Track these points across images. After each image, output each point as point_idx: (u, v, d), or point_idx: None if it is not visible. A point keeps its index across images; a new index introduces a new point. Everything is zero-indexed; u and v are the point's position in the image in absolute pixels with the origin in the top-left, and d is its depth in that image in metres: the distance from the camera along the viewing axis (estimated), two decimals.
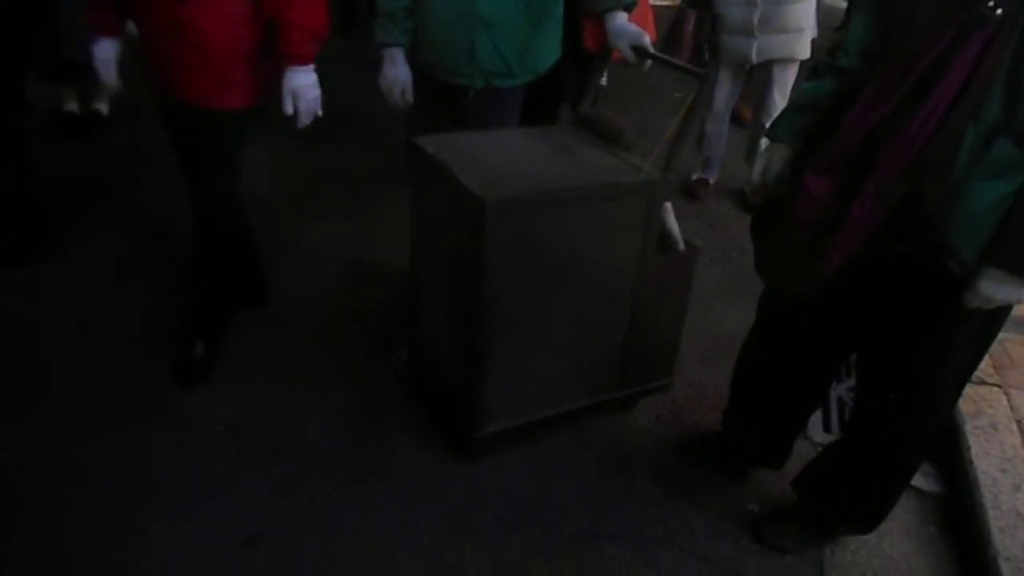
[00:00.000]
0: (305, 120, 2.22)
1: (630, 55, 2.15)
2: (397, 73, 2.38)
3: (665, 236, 2.17)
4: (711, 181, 3.99)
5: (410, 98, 2.43)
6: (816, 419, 2.45)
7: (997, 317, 1.59)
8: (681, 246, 2.21)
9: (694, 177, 4.00)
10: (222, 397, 2.37)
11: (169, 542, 1.90)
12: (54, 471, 2.07)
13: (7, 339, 2.54)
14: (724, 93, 3.71)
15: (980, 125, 1.36)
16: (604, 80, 3.99)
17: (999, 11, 1.30)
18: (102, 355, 2.50)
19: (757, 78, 3.61)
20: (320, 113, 2.24)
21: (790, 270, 1.63)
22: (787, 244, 1.61)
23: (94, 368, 2.44)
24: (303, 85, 2.16)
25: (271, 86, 2.19)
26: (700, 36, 3.61)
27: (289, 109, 2.18)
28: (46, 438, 2.17)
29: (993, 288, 1.45)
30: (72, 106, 3.97)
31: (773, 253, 1.69)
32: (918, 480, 2.25)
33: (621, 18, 2.15)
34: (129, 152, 3.85)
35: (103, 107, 4.07)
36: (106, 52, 2.18)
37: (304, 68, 2.15)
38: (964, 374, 1.72)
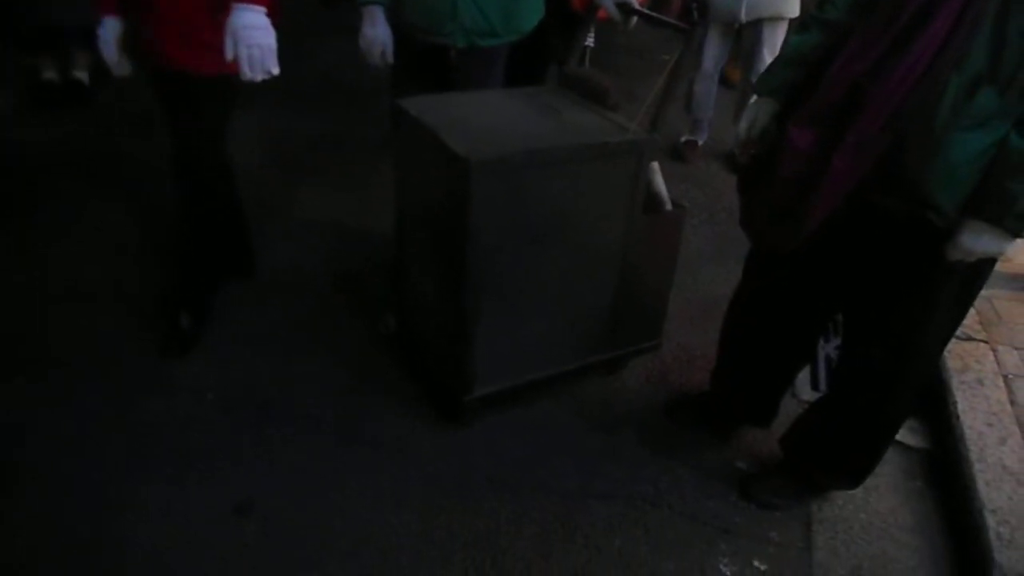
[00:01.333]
0: (250, 73, 1.91)
1: (615, 12, 2.12)
2: (377, 33, 2.34)
3: (652, 196, 2.15)
4: (700, 143, 3.97)
5: (390, 58, 2.38)
6: (804, 377, 2.47)
7: (981, 272, 1.59)
8: (669, 206, 2.20)
9: (683, 139, 3.97)
10: (211, 365, 2.37)
11: (160, 509, 1.91)
12: (45, 438, 2.08)
13: None
14: (713, 53, 3.68)
15: (963, 75, 1.35)
16: (591, 41, 3.95)
17: None
18: (93, 323, 2.50)
19: (746, 37, 3.57)
20: (275, 71, 1.95)
21: (775, 225, 1.62)
22: (772, 199, 1.60)
23: (84, 336, 2.44)
24: (245, 25, 1.87)
25: None
26: None
27: (230, 54, 1.89)
28: (36, 405, 2.17)
29: (973, 240, 1.45)
30: (50, 75, 3.91)
31: (758, 209, 1.68)
32: (904, 435, 2.27)
33: None
34: (113, 120, 3.80)
35: (83, 75, 4.00)
36: (108, 32, 2.11)
37: (249, 6, 1.88)
38: (948, 330, 1.72)
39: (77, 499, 1.91)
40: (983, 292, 2.81)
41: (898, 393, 1.78)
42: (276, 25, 1.96)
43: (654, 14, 2.23)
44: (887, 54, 1.39)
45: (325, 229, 3.13)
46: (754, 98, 1.77)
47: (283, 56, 1.97)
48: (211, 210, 2.42)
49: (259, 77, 1.93)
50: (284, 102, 3.92)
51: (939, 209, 1.44)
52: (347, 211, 3.26)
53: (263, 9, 1.92)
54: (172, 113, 2.28)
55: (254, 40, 1.89)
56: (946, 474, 2.18)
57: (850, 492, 2.07)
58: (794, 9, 3.46)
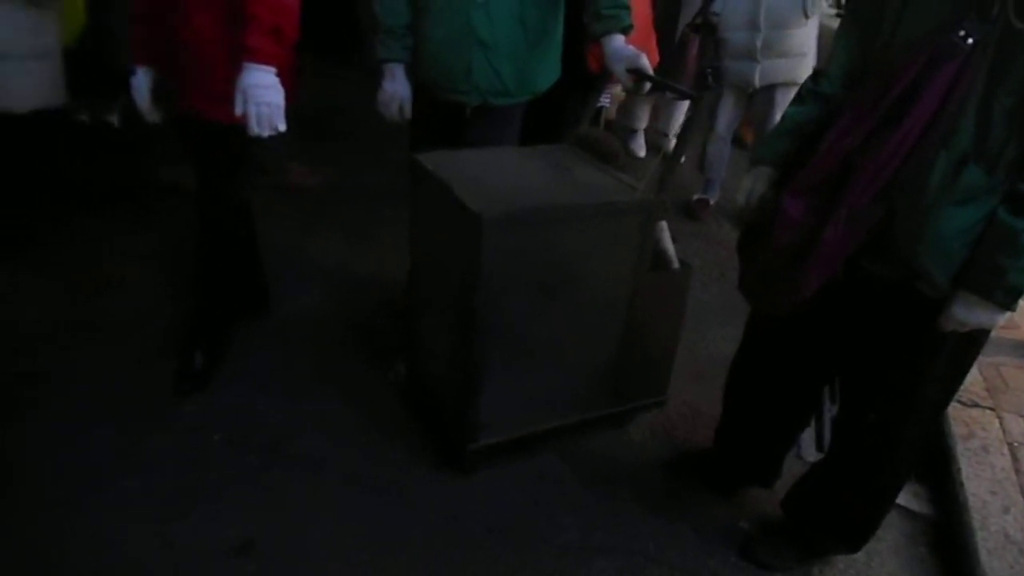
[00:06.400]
0: (258, 128, 2.02)
1: (625, 78, 2.19)
2: (396, 88, 2.43)
3: (659, 255, 2.20)
4: (712, 201, 4.03)
5: (407, 114, 2.47)
6: (809, 438, 2.47)
7: (975, 340, 1.61)
8: (676, 265, 2.24)
9: (695, 197, 4.04)
10: (220, 405, 2.41)
11: (161, 547, 1.92)
12: (48, 474, 2.11)
13: (4, 342, 2.59)
14: (726, 116, 3.77)
15: (951, 152, 1.39)
16: (606, 101, 4.05)
17: (970, 40, 1.33)
18: (102, 361, 2.54)
19: (759, 101, 3.66)
20: (282, 127, 2.06)
21: (770, 290, 1.66)
22: (767, 265, 1.64)
23: (93, 373, 2.48)
24: (254, 84, 1.99)
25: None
26: (703, 61, 3.66)
27: (239, 110, 2.01)
28: (41, 442, 2.21)
29: (965, 312, 1.48)
30: (83, 117, 4.04)
31: (755, 273, 1.73)
32: (909, 501, 2.27)
33: (618, 40, 2.18)
34: (138, 161, 3.91)
35: (114, 119, 4.13)
36: (141, 81, 2.24)
37: (260, 66, 1.99)
38: (944, 395, 1.73)
39: (79, 534, 1.94)
40: (989, 359, 2.84)
41: (895, 457, 1.79)
42: (290, 84, 2.08)
43: (662, 80, 2.31)
44: (877, 129, 1.44)
45: (339, 274, 3.20)
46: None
47: (302, 104, 2.06)
48: (227, 249, 2.50)
49: (266, 133, 2.05)
50: (301, 147, 4.04)
51: (931, 280, 1.48)
52: (361, 257, 3.33)
53: (273, 69, 2.03)
54: (194, 155, 2.39)
55: (263, 99, 2.00)
56: (949, 541, 2.17)
57: (852, 556, 2.06)
58: (806, 75, 3.54)
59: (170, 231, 3.31)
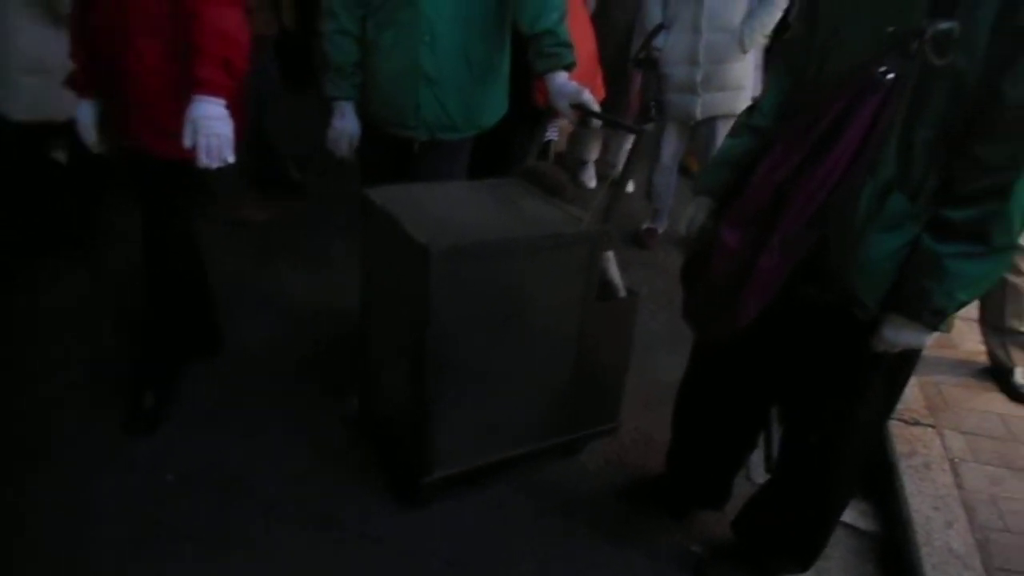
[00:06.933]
0: (207, 160, 2.02)
1: (569, 113, 2.24)
2: (345, 125, 2.46)
3: (607, 284, 2.24)
4: (660, 231, 4.12)
5: (355, 150, 2.50)
6: (758, 460, 2.51)
7: (908, 359, 1.67)
8: (622, 293, 2.29)
9: (644, 227, 4.12)
10: (173, 445, 2.37)
11: None
12: None
13: None
14: (671, 148, 3.86)
15: (877, 181, 1.46)
16: (553, 135, 4.12)
17: (890, 76, 1.41)
18: (53, 401, 2.50)
19: (701, 133, 3.76)
20: (231, 159, 2.06)
21: (711, 318, 1.72)
22: (708, 293, 1.70)
23: (44, 413, 2.44)
24: (204, 116, 1.99)
25: None
26: (647, 94, 3.76)
27: (188, 142, 2.00)
28: None
29: (894, 333, 1.54)
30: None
31: (697, 301, 1.78)
32: (856, 518, 2.32)
33: (561, 77, 2.24)
34: (84, 198, 3.85)
35: (60, 155, 4.07)
36: (86, 114, 2.23)
37: (209, 98, 2.00)
38: (881, 415, 1.79)
39: None
40: (929, 378, 2.93)
41: (837, 475, 1.84)
42: (240, 116, 2.09)
43: (605, 115, 2.37)
44: (807, 160, 1.50)
45: (293, 308, 3.18)
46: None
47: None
48: (175, 286, 2.47)
49: (215, 165, 2.05)
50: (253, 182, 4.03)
51: (862, 304, 1.54)
52: (314, 291, 3.32)
53: (223, 100, 2.03)
54: (139, 190, 2.36)
55: (212, 130, 2.01)
56: (895, 557, 2.22)
57: (801, 575, 2.09)
58: (744, 107, 3.66)
59: (115, 268, 3.27)
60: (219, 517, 2.13)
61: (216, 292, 2.75)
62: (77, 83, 2.22)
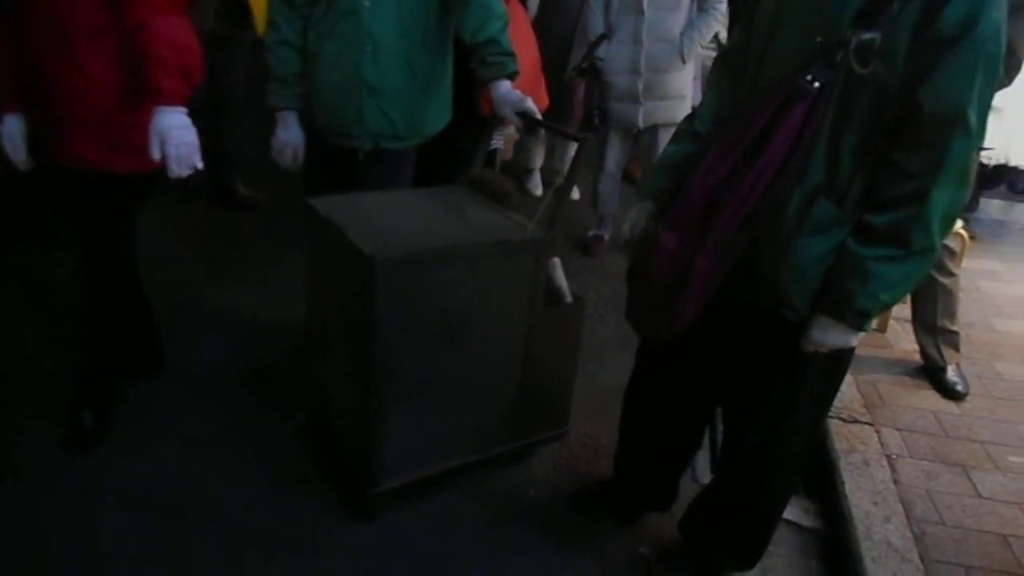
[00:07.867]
0: (179, 170, 2.03)
1: (515, 121, 2.27)
2: (289, 136, 2.45)
3: (553, 291, 2.26)
4: (606, 237, 4.16)
5: (300, 160, 2.48)
6: (705, 462, 2.56)
7: (841, 359, 1.72)
8: (568, 299, 2.31)
9: (590, 233, 4.16)
10: (114, 464, 2.31)
11: None
12: None
13: None
14: (614, 155, 3.92)
15: (804, 186, 1.51)
16: (499, 143, 4.14)
17: (816, 84, 1.46)
18: None
19: (643, 141, 3.83)
20: (199, 166, 2.07)
21: (653, 319, 1.75)
22: (649, 295, 1.73)
23: None
24: (172, 126, 2.00)
25: None
26: (590, 103, 3.81)
27: (156, 153, 2.00)
28: None
29: (822, 334, 1.58)
30: None
31: (639, 304, 1.81)
32: (799, 516, 2.37)
33: (504, 86, 2.27)
34: (20, 216, 3.75)
35: None
36: (12, 129, 2.15)
37: (173, 108, 2.01)
38: (817, 413, 1.84)
39: None
40: (866, 377, 3.02)
41: (777, 474, 1.88)
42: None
43: (548, 123, 2.39)
44: (738, 165, 1.55)
45: (239, 321, 3.14)
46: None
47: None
48: (115, 305, 2.41)
49: (185, 173, 2.05)
50: (195, 194, 3.97)
51: (792, 306, 1.58)
52: (259, 305, 3.27)
53: (184, 109, 2.04)
54: (76, 210, 2.29)
55: (180, 139, 2.01)
56: (837, 552, 2.27)
57: (748, 572, 2.13)
58: (685, 115, 3.74)
59: (51, 284, 3.18)
60: (160, 537, 2.08)
61: (158, 309, 2.69)
62: (3, 97, 2.14)
